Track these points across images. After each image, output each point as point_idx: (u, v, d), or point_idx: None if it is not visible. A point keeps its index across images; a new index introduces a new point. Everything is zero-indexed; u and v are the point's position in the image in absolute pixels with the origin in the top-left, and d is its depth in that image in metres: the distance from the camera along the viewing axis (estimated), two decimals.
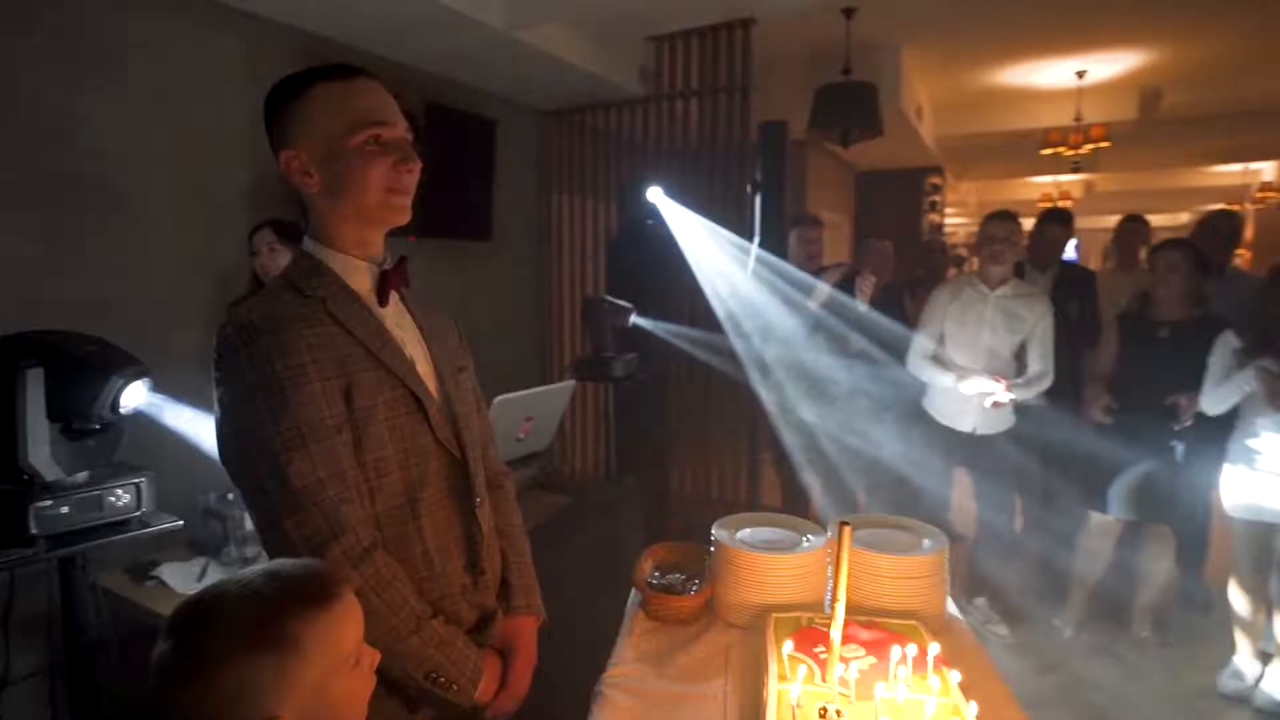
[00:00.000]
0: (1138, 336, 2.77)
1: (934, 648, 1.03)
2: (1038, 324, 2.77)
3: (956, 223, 16.05)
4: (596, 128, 4.14)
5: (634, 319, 2.88)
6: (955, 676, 0.99)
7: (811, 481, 3.17)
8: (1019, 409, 2.83)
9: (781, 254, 3.20)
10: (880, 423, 3.08)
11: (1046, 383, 2.78)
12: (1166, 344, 2.67)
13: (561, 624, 1.28)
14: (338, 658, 0.75)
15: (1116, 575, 2.92)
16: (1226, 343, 2.47)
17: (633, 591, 1.48)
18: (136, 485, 1.49)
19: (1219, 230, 3.21)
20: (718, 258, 3.32)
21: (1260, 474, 2.41)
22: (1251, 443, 2.43)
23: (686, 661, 1.23)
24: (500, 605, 1.15)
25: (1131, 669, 2.70)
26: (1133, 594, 2.91)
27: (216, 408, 0.97)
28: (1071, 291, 3.31)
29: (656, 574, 1.50)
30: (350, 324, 1.00)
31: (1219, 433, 2.54)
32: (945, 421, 2.87)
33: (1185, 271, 2.66)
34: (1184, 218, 14.34)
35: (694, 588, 1.43)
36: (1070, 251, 8.46)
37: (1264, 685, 2.46)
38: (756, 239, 3.30)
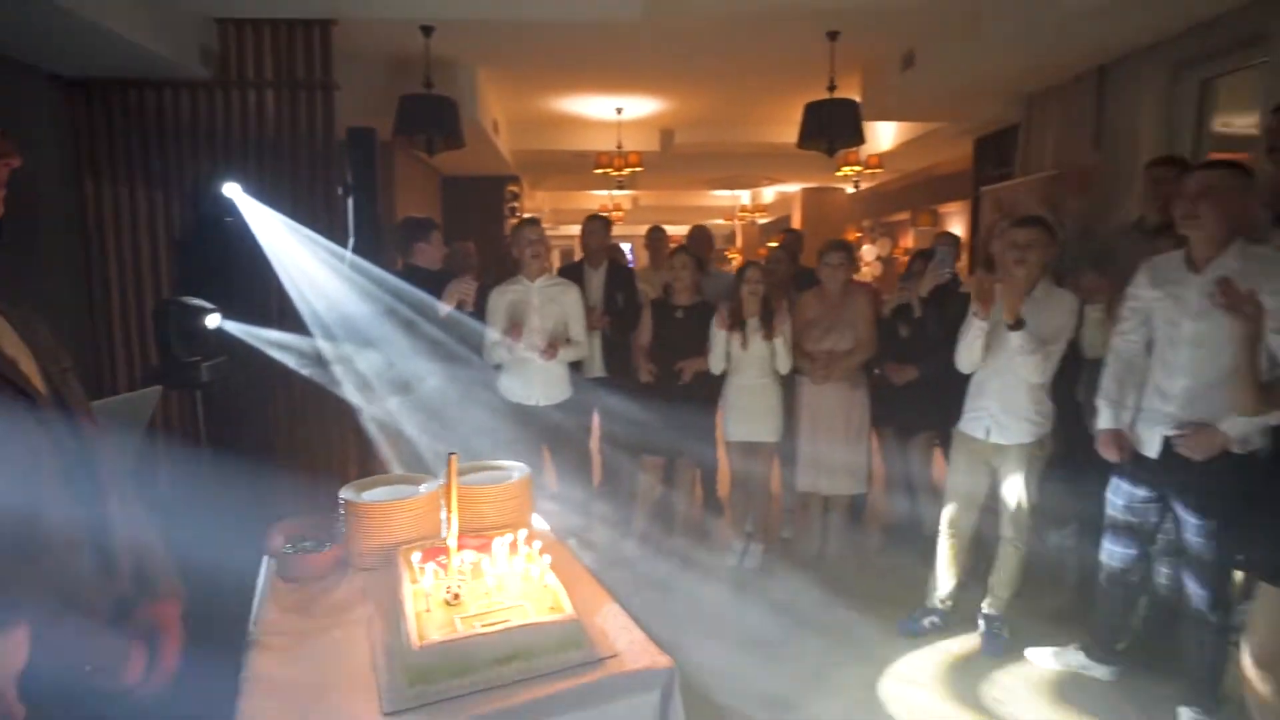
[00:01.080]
0: (663, 316, 3.70)
1: (523, 532, 1.43)
2: (571, 306, 3.45)
3: None
4: (148, 107, 3.66)
5: (218, 321, 2.77)
6: (538, 546, 1.40)
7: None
8: (576, 382, 3.51)
9: (376, 256, 3.36)
10: (469, 407, 3.47)
11: (583, 350, 3.49)
12: (681, 322, 3.64)
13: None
14: None
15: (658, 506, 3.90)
16: (717, 318, 3.48)
17: (264, 562, 1.59)
18: None
19: (702, 239, 4.43)
20: (306, 258, 3.31)
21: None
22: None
23: (329, 602, 1.42)
24: (137, 592, 1.19)
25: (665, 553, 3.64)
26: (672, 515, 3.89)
27: None
28: (618, 284, 4.18)
29: (288, 546, 1.63)
30: None
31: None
32: (514, 399, 3.39)
33: (690, 269, 3.66)
34: None
35: (326, 549, 1.61)
36: (629, 253, 10.04)
37: (747, 562, 3.56)
38: (351, 241, 3.40)
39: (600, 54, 4.91)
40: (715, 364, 3.47)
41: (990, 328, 2.62)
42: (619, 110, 6.46)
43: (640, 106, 6.48)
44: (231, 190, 3.12)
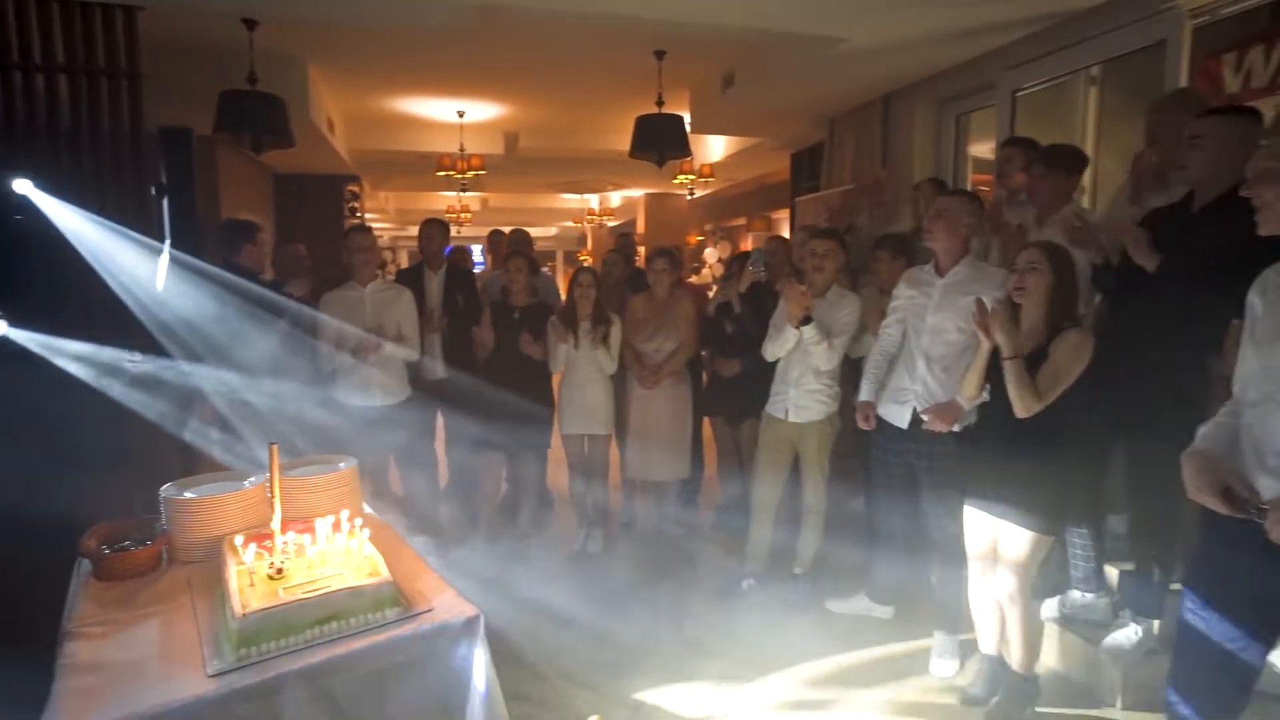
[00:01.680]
0: (503, 318, 3.84)
1: (345, 512, 1.55)
2: (403, 311, 3.49)
3: (380, 227, 17.03)
4: None
5: (4, 329, 2.59)
6: (358, 523, 1.53)
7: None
8: (418, 384, 3.60)
9: (197, 256, 3.23)
10: (307, 413, 3.43)
11: (415, 352, 3.56)
12: (519, 322, 3.80)
13: None
14: None
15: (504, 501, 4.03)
16: (552, 323, 3.67)
17: (77, 564, 1.58)
18: None
19: (519, 241, 4.65)
20: (120, 258, 3.13)
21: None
22: None
23: (151, 594, 1.46)
24: None
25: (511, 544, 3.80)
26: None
27: None
28: (458, 286, 4.26)
29: (104, 548, 1.63)
30: None
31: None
32: (353, 402, 3.38)
33: (526, 271, 3.84)
34: (553, 230, 18.48)
35: (146, 546, 1.62)
36: (479, 255, 10.01)
37: (590, 547, 3.79)
38: (168, 241, 3.25)
39: (439, 58, 4.96)
40: (555, 364, 3.67)
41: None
42: (461, 113, 6.49)
43: (482, 110, 6.56)
44: (23, 186, 2.90)
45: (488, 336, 3.81)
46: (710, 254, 11.24)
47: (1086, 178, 3.27)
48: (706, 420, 4.14)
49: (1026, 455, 2.18)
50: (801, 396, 3.07)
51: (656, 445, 3.73)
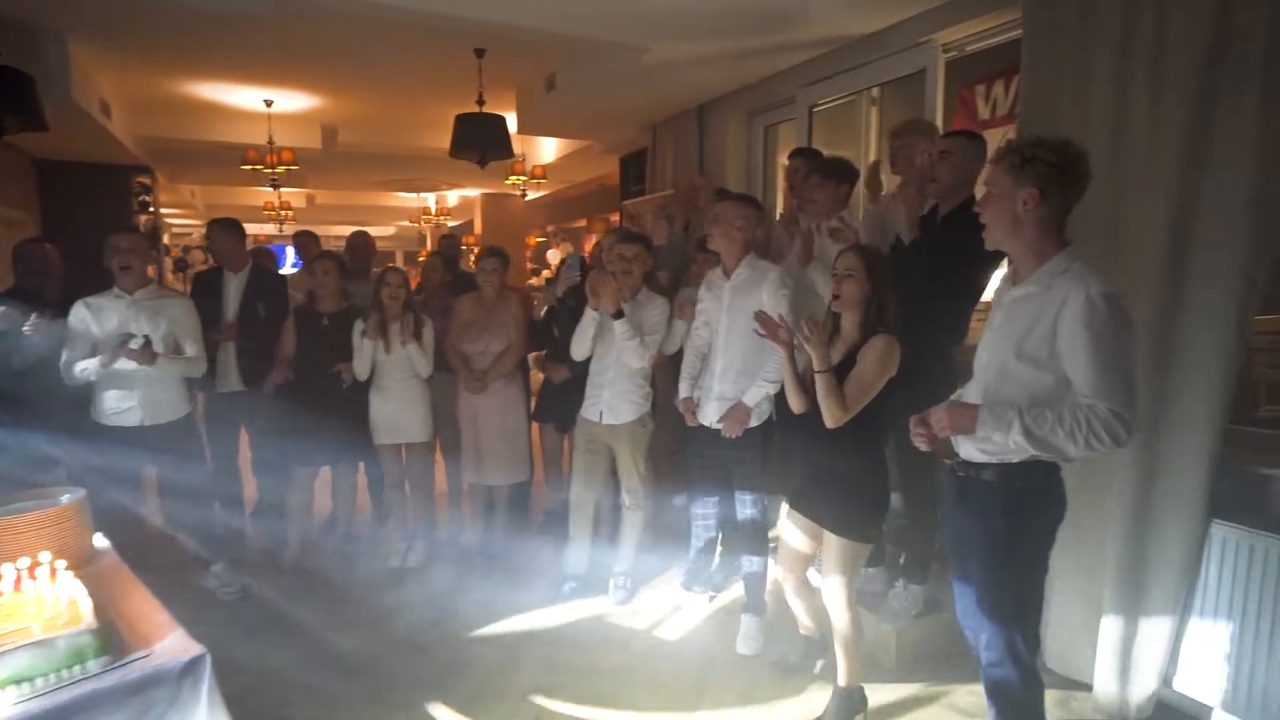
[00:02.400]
0: (309, 325, 3.58)
1: (45, 554, 1.37)
2: (178, 319, 3.11)
3: (189, 224, 15.42)
4: None
5: None
6: (63, 564, 1.35)
7: None
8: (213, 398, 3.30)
9: None
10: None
11: (197, 366, 3.18)
12: (327, 329, 3.56)
13: None
14: None
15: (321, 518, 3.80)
16: (359, 325, 3.47)
17: None
18: None
19: (356, 245, 4.39)
20: None
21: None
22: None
23: None
24: None
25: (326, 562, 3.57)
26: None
27: None
28: (260, 291, 3.93)
29: None
30: None
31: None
32: (110, 421, 3.00)
33: (335, 274, 3.60)
34: (391, 230, 17.62)
35: None
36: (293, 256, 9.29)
37: (410, 560, 3.63)
38: None
39: (239, 41, 4.55)
40: (361, 370, 3.47)
41: (601, 321, 3.07)
42: (269, 102, 6.00)
43: (293, 101, 6.10)
44: None
45: (287, 346, 3.55)
46: (553, 255, 11.21)
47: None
48: (535, 426, 4.10)
49: (839, 464, 2.22)
50: (614, 398, 3.12)
51: (491, 448, 3.64)
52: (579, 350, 3.17)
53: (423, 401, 3.60)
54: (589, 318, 3.09)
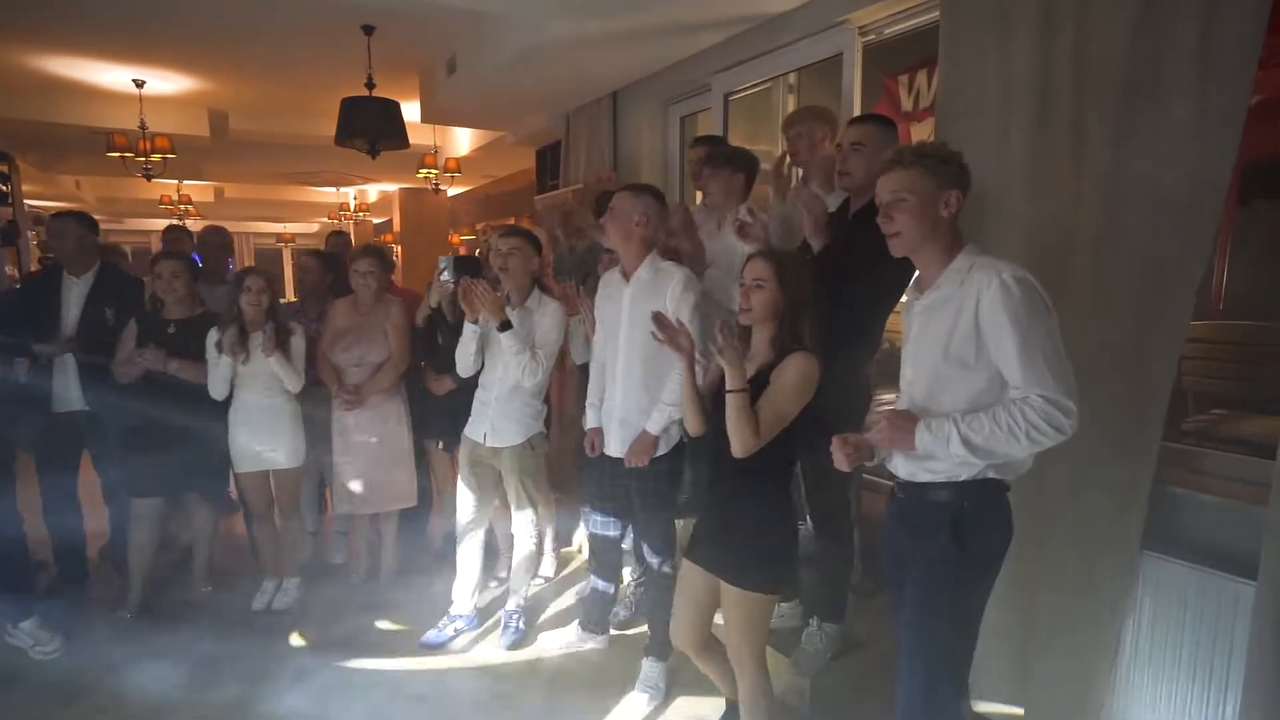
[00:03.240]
0: (152, 333, 3.10)
1: None
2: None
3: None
4: None
5: None
6: None
7: None
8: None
9: None
10: None
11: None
12: (174, 338, 3.09)
13: None
14: None
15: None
16: (212, 335, 3.02)
17: None
18: None
19: (209, 244, 3.90)
20: None
21: None
22: None
23: None
24: None
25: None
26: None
27: None
28: (108, 296, 3.41)
29: None
30: None
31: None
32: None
33: (185, 279, 3.13)
34: (315, 227, 16.73)
35: None
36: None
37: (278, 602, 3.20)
38: None
39: (91, 13, 3.99)
40: (217, 389, 3.02)
41: (485, 333, 2.70)
42: (139, 83, 5.39)
43: (169, 82, 5.50)
44: None
45: (126, 353, 3.06)
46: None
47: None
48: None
49: (741, 501, 1.89)
50: (499, 417, 2.76)
51: (369, 473, 3.23)
52: (463, 367, 2.79)
53: (291, 421, 3.15)
54: (469, 331, 2.71)
